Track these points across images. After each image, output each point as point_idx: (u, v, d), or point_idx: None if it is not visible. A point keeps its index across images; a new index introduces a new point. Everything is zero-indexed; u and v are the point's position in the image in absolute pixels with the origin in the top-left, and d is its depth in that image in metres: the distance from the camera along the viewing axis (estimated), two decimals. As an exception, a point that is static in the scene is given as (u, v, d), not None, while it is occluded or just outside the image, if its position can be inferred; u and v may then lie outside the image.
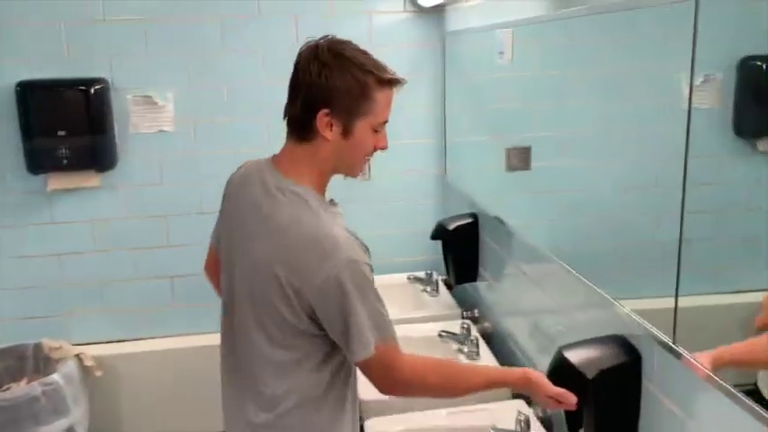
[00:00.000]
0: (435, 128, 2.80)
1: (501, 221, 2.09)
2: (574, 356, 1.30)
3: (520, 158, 2.16)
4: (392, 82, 1.25)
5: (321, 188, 1.31)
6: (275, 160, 1.33)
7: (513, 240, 2.05)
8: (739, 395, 0.98)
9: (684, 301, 1.17)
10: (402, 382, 1.27)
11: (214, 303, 2.73)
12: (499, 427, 1.60)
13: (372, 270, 1.23)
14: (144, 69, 2.56)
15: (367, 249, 1.25)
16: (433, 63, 2.72)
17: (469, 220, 2.35)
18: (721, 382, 1.02)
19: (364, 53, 1.25)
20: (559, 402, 1.30)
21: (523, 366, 1.60)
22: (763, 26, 1.12)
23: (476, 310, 2.35)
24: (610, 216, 1.72)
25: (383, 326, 1.22)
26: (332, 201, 1.35)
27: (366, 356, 1.20)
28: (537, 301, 1.92)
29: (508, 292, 2.15)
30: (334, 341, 1.24)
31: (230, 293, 1.40)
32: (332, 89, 1.20)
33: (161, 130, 2.61)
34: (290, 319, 1.23)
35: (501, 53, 1.92)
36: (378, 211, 2.82)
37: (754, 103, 1.38)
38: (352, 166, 1.32)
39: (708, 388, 1.06)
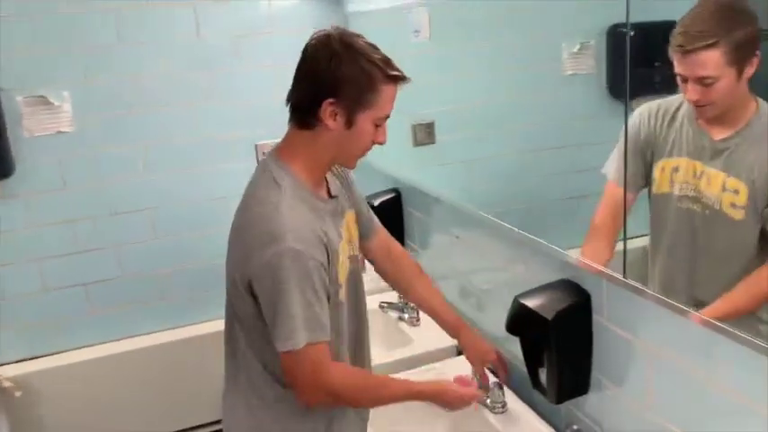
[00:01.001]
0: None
1: (424, 192, 2.21)
2: (531, 302, 1.44)
3: (425, 133, 2.31)
4: (398, 78, 1.26)
5: (314, 176, 1.32)
6: (277, 146, 1.34)
7: (439, 208, 2.18)
8: (683, 307, 1.16)
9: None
10: (328, 385, 1.26)
11: (134, 306, 2.68)
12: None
13: (325, 268, 1.23)
14: (34, 68, 2.40)
15: (326, 248, 1.24)
16: (338, 45, 2.77)
17: (392, 195, 2.44)
18: (666, 299, 1.20)
19: (373, 47, 1.26)
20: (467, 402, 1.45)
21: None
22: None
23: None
24: (516, 178, 1.89)
25: (316, 324, 1.21)
26: (330, 193, 1.37)
27: (293, 347, 1.20)
28: (467, 262, 2.07)
29: (437, 257, 2.28)
30: None
31: None
32: (340, 79, 1.21)
33: (60, 131, 2.46)
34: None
35: (416, 32, 2.02)
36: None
37: (623, 66, 1.57)
38: (350, 158, 1.34)
39: (654, 307, 1.22)
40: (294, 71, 1.28)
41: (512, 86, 1.90)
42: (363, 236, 1.53)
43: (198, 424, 2.79)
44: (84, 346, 2.64)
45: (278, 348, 1.22)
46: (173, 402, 2.73)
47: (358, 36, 1.26)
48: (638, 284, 1.26)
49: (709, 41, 1.15)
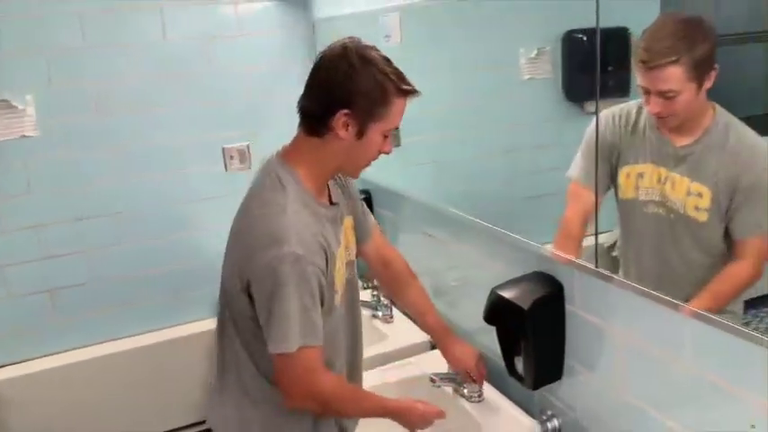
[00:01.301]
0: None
1: (394, 192, 2.27)
2: (507, 293, 1.51)
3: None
4: (409, 92, 1.29)
5: (318, 183, 1.34)
6: (284, 149, 1.36)
7: (409, 207, 2.24)
8: (645, 289, 1.25)
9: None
10: (316, 391, 1.29)
11: (102, 311, 2.65)
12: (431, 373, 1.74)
13: (324, 274, 1.26)
14: (-5, 71, 2.36)
15: (325, 253, 1.26)
16: (305, 48, 2.80)
17: (363, 197, 2.48)
18: (635, 284, 1.29)
19: (387, 60, 1.28)
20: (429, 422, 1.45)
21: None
22: (581, 1, 1.35)
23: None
24: (478, 179, 1.97)
25: (311, 329, 1.23)
26: (331, 200, 1.39)
27: (286, 350, 1.22)
28: (439, 260, 2.13)
29: (409, 256, 2.32)
30: None
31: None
32: (355, 91, 1.24)
33: (24, 135, 2.42)
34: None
35: (387, 36, 2.08)
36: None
37: (578, 70, 1.67)
38: (357, 168, 1.37)
39: (623, 293, 1.31)
40: (308, 78, 1.31)
41: (474, 90, 1.97)
42: (359, 239, 1.56)
43: (174, 428, 2.79)
44: (50, 354, 2.60)
45: (271, 350, 1.24)
46: (145, 406, 2.71)
47: (373, 48, 1.29)
48: (607, 272, 1.35)
49: (672, 58, 1.24)
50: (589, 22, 1.36)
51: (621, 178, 1.42)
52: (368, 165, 1.38)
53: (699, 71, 1.23)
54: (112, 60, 2.51)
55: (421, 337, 2.09)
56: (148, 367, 2.69)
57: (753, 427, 1.09)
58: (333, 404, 1.34)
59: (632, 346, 1.34)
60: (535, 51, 1.75)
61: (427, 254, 2.19)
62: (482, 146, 1.98)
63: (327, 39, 2.66)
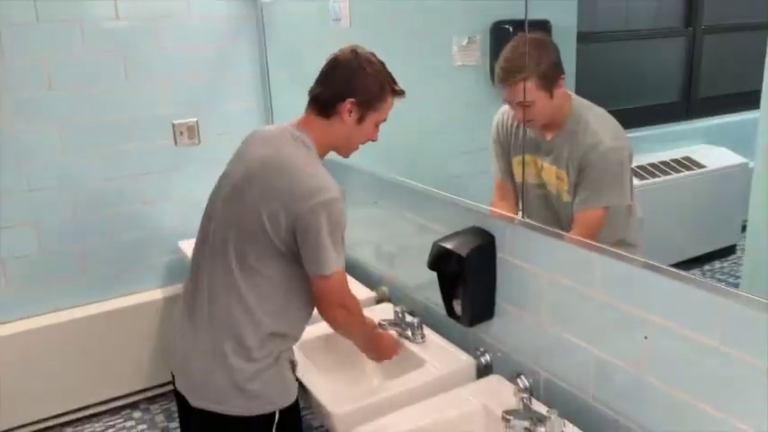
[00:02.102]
0: (259, 92, 3.04)
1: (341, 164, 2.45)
2: (448, 244, 1.75)
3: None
4: (398, 92, 1.61)
5: (320, 154, 1.60)
6: (297, 121, 1.61)
7: (357, 178, 2.43)
8: (558, 231, 1.53)
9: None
10: (349, 304, 1.59)
11: (52, 282, 2.72)
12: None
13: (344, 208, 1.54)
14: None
15: (343, 193, 1.54)
16: (252, 30, 2.95)
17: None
18: (548, 228, 1.56)
19: (384, 65, 1.60)
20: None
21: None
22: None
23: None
24: (415, 159, 2.17)
25: (341, 258, 1.53)
26: None
27: (327, 272, 1.49)
28: (385, 226, 2.35)
29: (357, 224, 2.53)
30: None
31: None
32: (361, 85, 1.55)
33: (-26, 108, 2.48)
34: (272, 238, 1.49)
35: (336, 19, 2.27)
36: (211, 173, 2.98)
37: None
38: (350, 148, 1.65)
39: (546, 239, 1.58)
40: (323, 72, 1.59)
41: (412, 74, 2.13)
42: None
43: (122, 394, 2.90)
44: (1, 323, 2.67)
45: (318, 272, 1.50)
46: (94, 373, 2.81)
47: (373, 55, 1.60)
48: (529, 221, 1.61)
49: (523, 75, 1.57)
50: (514, 15, 1.59)
51: (514, 167, 1.73)
52: (357, 148, 1.66)
53: (547, 81, 1.57)
54: (65, 37, 2.59)
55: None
56: (97, 336, 2.79)
57: (645, 338, 1.37)
58: (352, 316, 1.62)
59: (552, 282, 1.60)
60: (466, 40, 1.93)
61: (376, 222, 2.40)
62: (417, 128, 2.13)
63: (274, 21, 2.86)
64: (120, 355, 2.84)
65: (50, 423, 2.76)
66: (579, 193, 1.57)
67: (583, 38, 1.68)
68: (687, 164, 1.77)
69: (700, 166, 1.76)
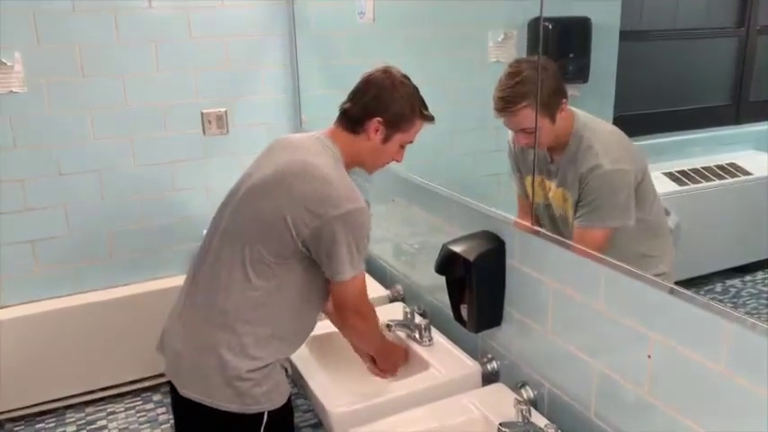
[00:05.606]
0: (288, 84, 3.04)
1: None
2: (456, 248, 1.71)
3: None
4: (428, 118, 1.63)
5: (346, 167, 1.60)
6: (327, 132, 1.63)
7: (379, 175, 2.41)
8: (568, 242, 1.48)
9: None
10: (363, 311, 1.61)
11: (81, 264, 2.79)
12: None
13: (369, 218, 1.55)
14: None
15: (368, 204, 1.56)
16: (284, 21, 2.95)
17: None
18: (564, 239, 1.50)
19: (417, 89, 1.62)
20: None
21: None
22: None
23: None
24: (443, 155, 2.13)
25: (361, 265, 1.54)
26: None
27: (344, 278, 1.51)
28: (403, 225, 2.32)
29: (375, 221, 2.51)
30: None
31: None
32: (390, 105, 1.57)
33: (12, 91, 2.55)
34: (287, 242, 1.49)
35: (361, 13, 2.25)
36: (238, 163, 3.01)
37: (542, 55, 1.82)
38: (375, 166, 1.67)
39: (555, 249, 1.53)
40: (355, 88, 1.61)
41: (443, 70, 2.12)
42: None
43: (147, 375, 2.95)
44: (30, 301, 2.75)
45: (337, 278, 1.52)
46: (117, 356, 2.87)
47: (406, 77, 1.61)
48: (540, 229, 1.56)
49: (523, 104, 1.50)
50: (553, 11, 1.51)
51: (527, 186, 1.67)
52: (382, 167, 1.69)
53: (548, 107, 1.49)
54: (99, 25, 2.64)
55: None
56: (121, 319, 2.84)
57: (649, 357, 1.31)
58: (368, 321, 1.65)
59: (558, 292, 1.55)
60: (502, 35, 1.89)
61: (392, 219, 2.38)
62: (447, 124, 2.10)
63: (305, 12, 2.86)
64: (143, 338, 2.89)
65: (73, 401, 2.84)
66: (580, 212, 1.52)
67: (626, 36, 1.60)
68: (732, 170, 1.69)
69: (745, 173, 1.68)
